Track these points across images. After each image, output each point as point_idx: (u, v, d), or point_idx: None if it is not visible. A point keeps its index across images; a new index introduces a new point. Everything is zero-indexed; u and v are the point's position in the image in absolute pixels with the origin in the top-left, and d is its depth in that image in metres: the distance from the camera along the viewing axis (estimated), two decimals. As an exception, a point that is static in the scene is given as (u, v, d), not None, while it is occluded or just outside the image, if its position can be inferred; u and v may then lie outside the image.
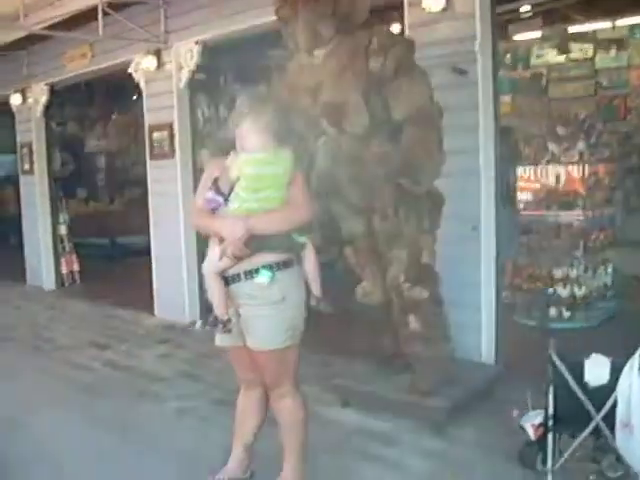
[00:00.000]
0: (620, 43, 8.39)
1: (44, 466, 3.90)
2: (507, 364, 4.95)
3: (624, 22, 8.16)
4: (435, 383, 4.28)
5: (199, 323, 3.00)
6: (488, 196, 4.81)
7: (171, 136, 6.73)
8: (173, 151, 6.77)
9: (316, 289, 3.32)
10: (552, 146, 6.05)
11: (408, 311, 4.27)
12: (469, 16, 4.65)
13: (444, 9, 4.71)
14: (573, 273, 6.19)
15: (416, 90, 3.88)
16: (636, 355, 3.07)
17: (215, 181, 3.24)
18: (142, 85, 7.06)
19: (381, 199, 3.96)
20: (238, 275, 3.16)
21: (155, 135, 6.91)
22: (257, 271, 3.11)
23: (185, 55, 6.59)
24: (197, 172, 6.77)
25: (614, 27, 8.34)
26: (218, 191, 3.20)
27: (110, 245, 10.70)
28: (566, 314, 6.11)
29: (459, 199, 4.53)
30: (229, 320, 3.19)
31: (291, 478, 3.44)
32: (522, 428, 3.48)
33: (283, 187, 3.13)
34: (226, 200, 3.16)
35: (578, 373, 3.18)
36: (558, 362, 3.21)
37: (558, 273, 6.16)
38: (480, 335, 4.85)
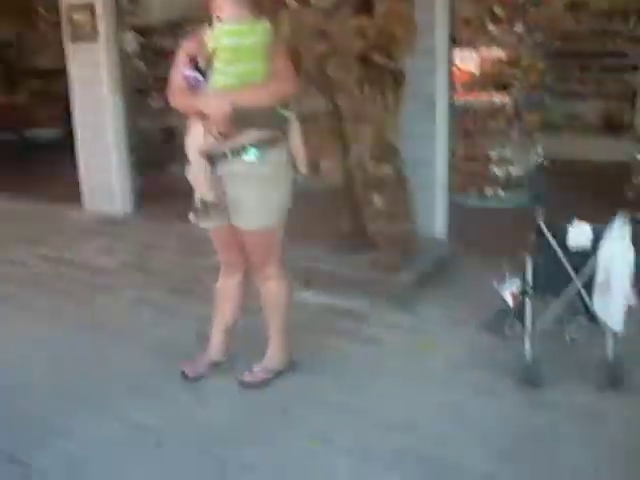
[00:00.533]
0: None
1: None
2: (457, 240, 5.11)
3: None
4: (398, 259, 4.39)
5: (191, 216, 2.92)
6: (443, 75, 4.80)
7: (93, 17, 6.23)
8: (96, 34, 6.28)
9: (302, 165, 3.26)
10: (491, 27, 6.06)
11: (372, 189, 4.29)
12: None
13: None
14: (507, 154, 6.38)
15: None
16: (614, 222, 3.22)
17: (193, 58, 3.07)
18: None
19: (349, 76, 3.87)
20: (224, 154, 3.05)
21: (75, 17, 6.37)
22: (245, 149, 3.02)
23: None
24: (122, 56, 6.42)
25: None
26: (196, 68, 3.05)
27: (19, 139, 9.99)
28: (502, 194, 6.34)
29: (415, 78, 4.49)
30: (215, 202, 3.10)
31: (278, 356, 3.53)
32: (501, 296, 3.62)
33: (263, 59, 3.00)
34: (205, 77, 3.02)
35: (561, 239, 3.32)
36: (545, 229, 3.32)
37: (493, 154, 6.32)
38: (434, 212, 4.95)
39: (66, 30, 6.50)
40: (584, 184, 6.89)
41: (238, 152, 3.03)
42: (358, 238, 4.55)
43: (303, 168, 3.26)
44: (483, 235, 5.29)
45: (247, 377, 3.48)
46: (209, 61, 3.00)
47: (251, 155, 3.03)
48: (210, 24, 3.04)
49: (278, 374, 3.51)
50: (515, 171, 6.35)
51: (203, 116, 2.98)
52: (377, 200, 4.30)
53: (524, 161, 6.43)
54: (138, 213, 6.74)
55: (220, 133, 2.97)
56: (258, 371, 3.49)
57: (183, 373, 3.54)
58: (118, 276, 5.15)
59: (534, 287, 3.43)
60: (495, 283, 3.67)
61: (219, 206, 3.11)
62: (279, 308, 3.45)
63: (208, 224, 3.26)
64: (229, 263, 3.47)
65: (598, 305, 3.26)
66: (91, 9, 6.23)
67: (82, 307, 4.58)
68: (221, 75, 2.98)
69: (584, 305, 3.37)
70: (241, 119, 2.93)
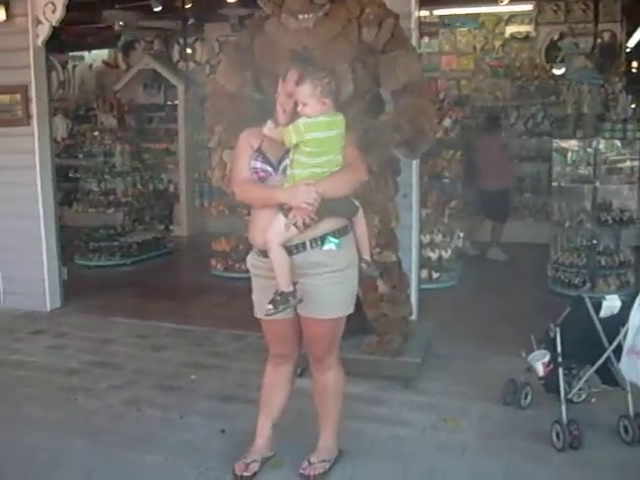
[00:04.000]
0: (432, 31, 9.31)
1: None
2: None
3: (438, 12, 9.06)
4: (402, 342, 4.54)
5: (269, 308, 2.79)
6: (417, 168, 5.14)
7: (26, 100, 5.93)
8: (29, 117, 5.97)
9: (366, 253, 3.34)
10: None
11: (380, 276, 4.43)
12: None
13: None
14: (438, 238, 6.83)
15: (413, 62, 4.01)
16: (640, 293, 3.66)
17: (259, 149, 3.12)
18: (-23, 39, 6.08)
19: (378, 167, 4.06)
20: (303, 244, 3.06)
21: (0, 98, 6.02)
22: (323, 239, 3.06)
23: (44, 8, 5.83)
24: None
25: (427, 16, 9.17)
26: (266, 160, 3.10)
27: None
28: (435, 275, 6.74)
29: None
30: (295, 292, 3.07)
31: (333, 444, 3.49)
32: (530, 367, 3.89)
33: (340, 151, 3.10)
34: (275, 169, 3.08)
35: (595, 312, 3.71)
36: (589, 303, 3.67)
37: (426, 239, 6.74)
38: (411, 295, 5.17)
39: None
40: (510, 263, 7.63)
41: (316, 241, 3.06)
42: (355, 323, 4.62)
43: (368, 256, 3.34)
44: (444, 314, 5.65)
45: (308, 470, 3.38)
46: (282, 154, 3.06)
47: (331, 244, 3.06)
48: (274, 118, 3.11)
49: (334, 463, 3.47)
50: (446, 254, 6.79)
51: (285, 207, 3.00)
52: (381, 285, 4.44)
53: (448, 245, 6.94)
54: (67, 307, 6.37)
55: (305, 224, 3.00)
56: (317, 462, 3.42)
57: (237, 476, 3.37)
58: (91, 376, 4.77)
59: (564, 356, 3.75)
60: (523, 354, 3.94)
61: (297, 297, 3.10)
62: (337, 397, 3.42)
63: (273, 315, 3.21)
64: (282, 355, 3.41)
65: (626, 366, 3.60)
66: (24, 91, 5.95)
67: (66, 413, 4.18)
68: (304, 168, 3.02)
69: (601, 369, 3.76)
70: (322, 209, 2.99)
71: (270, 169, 3.09)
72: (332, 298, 3.15)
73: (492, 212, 8.08)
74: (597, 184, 6.57)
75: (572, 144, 6.73)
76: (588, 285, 6.30)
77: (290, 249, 3.06)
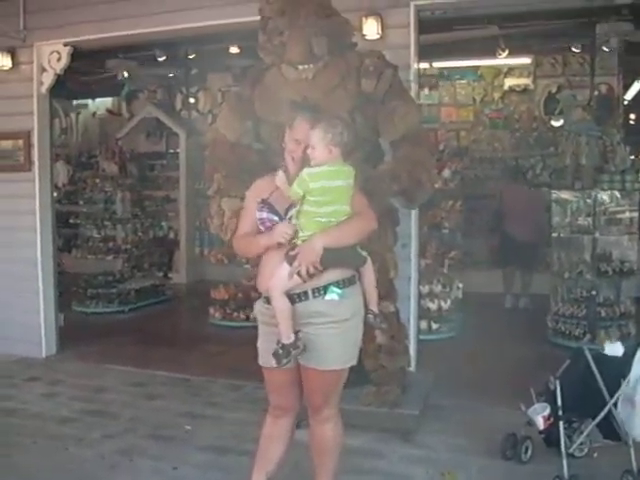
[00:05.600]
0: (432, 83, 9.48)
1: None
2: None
3: (437, 64, 9.23)
4: (400, 394, 4.48)
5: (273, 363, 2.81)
6: (416, 218, 5.16)
7: (28, 146, 5.98)
8: (30, 163, 6.02)
9: (373, 304, 3.30)
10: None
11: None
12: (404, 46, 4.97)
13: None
14: (437, 289, 6.80)
15: (411, 113, 4.05)
16: (641, 344, 3.62)
17: (265, 200, 3.11)
18: (-17, 86, 6.19)
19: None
20: (305, 293, 3.02)
21: (4, 144, 6.07)
22: (326, 288, 3.02)
23: (50, 57, 5.94)
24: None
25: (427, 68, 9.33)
26: (272, 210, 3.09)
27: None
28: (435, 326, 6.68)
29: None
30: (297, 343, 3.02)
31: (328, 499, 3.39)
32: (530, 420, 3.82)
33: (348, 201, 3.09)
34: (282, 219, 3.06)
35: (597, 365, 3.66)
36: (589, 356, 3.63)
37: (425, 289, 6.70)
38: (410, 346, 5.12)
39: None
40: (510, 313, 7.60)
41: (319, 291, 3.03)
42: (353, 373, 4.56)
43: (375, 307, 3.29)
44: (444, 366, 5.58)
45: (304, 525, 3.31)
46: (289, 205, 3.05)
47: (333, 294, 3.02)
48: (284, 167, 3.13)
49: (332, 518, 3.38)
50: (446, 304, 6.75)
51: (290, 255, 2.99)
52: (379, 336, 4.39)
53: (448, 295, 6.90)
54: (63, 354, 6.31)
55: (309, 273, 2.98)
56: (313, 518, 3.34)
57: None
58: (83, 424, 4.69)
59: (564, 410, 3.68)
60: (523, 408, 3.87)
61: (299, 347, 3.05)
62: (335, 450, 3.34)
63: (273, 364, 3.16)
64: (283, 407, 3.33)
65: (623, 415, 3.57)
66: (27, 137, 6.00)
67: (57, 462, 4.09)
68: (309, 217, 3.00)
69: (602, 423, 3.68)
70: (327, 258, 2.97)
71: (276, 218, 3.07)
72: (333, 349, 3.08)
73: (523, 262, 8.10)
74: (597, 235, 6.57)
75: (571, 195, 6.75)
76: (588, 337, 6.25)
77: (292, 297, 3.02)
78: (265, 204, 3.11)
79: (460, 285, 7.11)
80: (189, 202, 10.42)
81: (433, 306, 6.69)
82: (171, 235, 10.47)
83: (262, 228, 3.11)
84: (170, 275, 9.54)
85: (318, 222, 3.00)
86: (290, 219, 3.05)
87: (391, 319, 4.44)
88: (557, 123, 9.64)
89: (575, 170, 6.98)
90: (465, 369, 5.72)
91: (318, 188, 2.99)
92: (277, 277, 3.03)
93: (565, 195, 6.80)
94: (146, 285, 8.77)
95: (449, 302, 6.77)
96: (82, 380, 5.65)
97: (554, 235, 6.84)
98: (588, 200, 6.60)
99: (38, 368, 5.96)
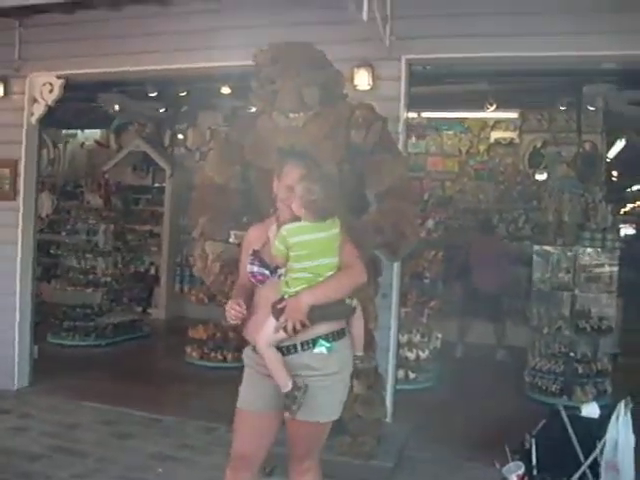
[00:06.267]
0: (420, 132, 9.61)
1: None
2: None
3: (426, 114, 9.38)
4: (375, 445, 4.44)
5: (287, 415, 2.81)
6: (398, 269, 5.21)
7: (15, 175, 5.98)
8: (15, 192, 6.00)
9: (359, 348, 3.26)
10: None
11: (353, 376, 4.36)
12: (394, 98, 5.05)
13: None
14: (416, 338, 6.79)
15: (398, 166, 4.10)
16: (621, 404, 3.60)
17: (256, 253, 3.12)
18: (-27, 113, 6.20)
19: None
20: (294, 346, 2.99)
21: (-12, 172, 6.07)
22: (315, 341, 2.99)
23: (42, 88, 5.97)
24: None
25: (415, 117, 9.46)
26: (263, 264, 3.09)
27: None
28: (412, 375, 6.66)
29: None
30: (297, 387, 2.97)
31: None
32: (505, 479, 3.78)
33: (334, 253, 3.06)
34: (272, 273, 3.06)
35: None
36: (565, 416, 3.63)
37: (403, 338, 6.68)
38: (387, 397, 5.09)
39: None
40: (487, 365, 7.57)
41: (308, 344, 2.99)
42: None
43: (360, 351, 3.25)
44: (419, 416, 5.55)
45: None
46: (277, 260, 3.03)
47: (322, 347, 2.99)
48: (276, 215, 3.14)
49: None
50: (424, 354, 6.74)
51: (277, 308, 2.97)
52: (356, 386, 4.35)
53: (426, 345, 6.90)
54: (35, 387, 6.22)
55: (295, 329, 2.93)
56: None
57: None
58: (53, 462, 4.60)
59: (539, 469, 3.66)
60: (497, 465, 3.84)
61: (301, 388, 2.98)
62: (313, 500, 3.31)
63: (250, 407, 3.13)
64: (245, 455, 3.20)
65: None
66: (14, 166, 5.99)
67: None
68: (294, 272, 2.98)
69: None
70: (314, 314, 2.93)
71: (267, 272, 3.07)
72: (318, 402, 3.03)
73: (486, 314, 8.13)
74: (576, 292, 6.64)
75: (552, 251, 6.82)
76: (564, 395, 6.26)
77: (282, 350, 3.00)
78: (256, 257, 3.11)
79: (439, 335, 7.11)
80: (172, 238, 10.38)
81: (411, 355, 6.67)
82: (152, 270, 10.41)
83: (254, 281, 3.11)
84: (149, 310, 9.47)
85: (304, 278, 2.97)
86: (279, 275, 3.03)
87: (369, 369, 4.42)
88: (541, 177, 9.78)
89: (557, 226, 7.06)
90: (441, 421, 5.70)
91: (297, 243, 2.98)
92: (264, 332, 3.01)
93: (547, 250, 6.87)
94: (124, 320, 8.68)
95: (427, 352, 6.76)
96: (53, 415, 5.56)
97: (534, 289, 6.88)
98: (569, 255, 6.68)
99: (9, 401, 5.85)
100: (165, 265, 10.40)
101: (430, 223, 6.92)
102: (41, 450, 4.82)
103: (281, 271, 3.03)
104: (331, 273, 3.03)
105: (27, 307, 6.15)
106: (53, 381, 6.38)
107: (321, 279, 2.99)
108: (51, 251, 9.76)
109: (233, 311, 3.02)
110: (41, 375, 6.37)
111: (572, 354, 6.49)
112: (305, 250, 2.99)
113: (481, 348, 8.24)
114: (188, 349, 7.62)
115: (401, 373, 6.50)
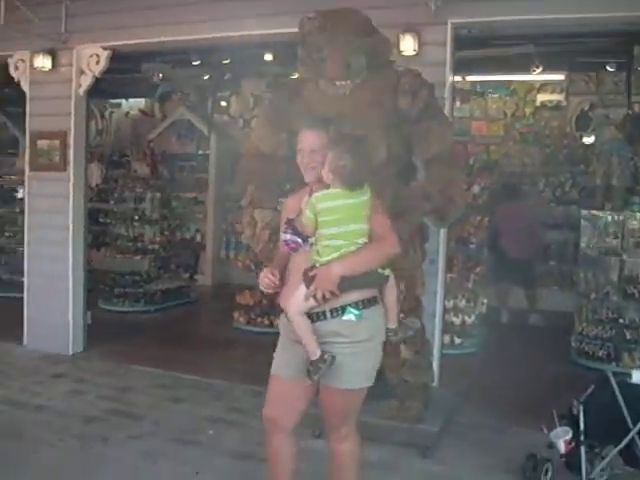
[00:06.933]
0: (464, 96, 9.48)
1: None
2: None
3: (470, 78, 9.24)
4: (422, 409, 4.50)
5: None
6: (445, 235, 5.19)
7: (64, 146, 6.11)
8: (66, 163, 6.14)
9: (393, 320, 3.30)
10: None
11: (401, 342, 4.41)
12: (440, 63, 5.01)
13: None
14: (462, 303, 6.80)
15: (445, 133, 4.08)
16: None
17: (290, 221, 3.15)
18: (25, 86, 6.32)
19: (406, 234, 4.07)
20: (324, 313, 3.02)
21: (40, 143, 6.20)
22: (344, 309, 3.01)
23: (89, 60, 6.06)
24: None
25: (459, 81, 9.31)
26: (296, 232, 3.11)
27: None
28: (457, 340, 6.69)
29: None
30: (323, 358, 3.01)
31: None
32: (552, 443, 3.82)
33: (363, 219, 3.05)
34: (305, 241, 3.07)
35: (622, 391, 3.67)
36: (614, 382, 3.63)
37: (449, 304, 6.70)
38: (433, 362, 5.13)
39: (28, 157, 6.31)
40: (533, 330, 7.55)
41: (337, 311, 3.02)
42: (375, 386, 4.59)
43: (394, 323, 3.30)
44: (465, 382, 5.59)
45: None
46: (307, 229, 3.05)
47: (350, 315, 3.01)
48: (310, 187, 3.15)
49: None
50: (470, 319, 6.75)
51: (308, 279, 2.98)
52: (404, 351, 4.42)
53: (472, 310, 6.91)
54: (89, 352, 6.43)
55: (324, 298, 2.95)
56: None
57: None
58: (109, 424, 4.78)
59: (586, 435, 3.69)
60: (545, 430, 3.87)
61: (327, 360, 3.07)
62: (352, 469, 3.32)
63: (282, 372, 3.21)
64: (274, 420, 3.24)
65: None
66: (63, 137, 6.11)
67: (81, 461, 4.19)
68: (324, 239, 3.00)
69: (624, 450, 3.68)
70: (344, 283, 2.95)
71: (300, 240, 3.09)
72: (350, 369, 3.06)
73: (518, 278, 8.07)
74: (624, 257, 6.54)
75: (600, 215, 6.72)
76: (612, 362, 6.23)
77: (312, 316, 3.04)
78: (289, 226, 3.14)
79: (485, 300, 7.11)
80: (217, 205, 10.51)
81: (457, 320, 6.70)
82: (198, 237, 10.57)
83: (287, 249, 3.15)
84: (196, 277, 9.63)
85: (334, 245, 2.98)
86: (311, 244, 3.05)
87: (416, 334, 4.46)
88: (589, 140, 9.57)
89: (605, 190, 6.94)
90: (487, 386, 5.73)
91: (325, 209, 2.99)
92: (294, 299, 3.05)
93: (595, 214, 6.76)
94: (172, 286, 8.88)
95: (473, 317, 6.77)
96: (108, 379, 5.75)
97: (582, 254, 6.81)
98: (617, 219, 6.57)
99: (64, 365, 6.07)
100: (211, 232, 10.54)
101: (476, 188, 6.88)
102: (97, 413, 5.00)
103: (312, 240, 3.05)
104: (362, 239, 3.02)
105: (80, 275, 6.33)
106: (106, 346, 6.59)
107: (353, 247, 2.99)
108: (100, 219, 9.97)
109: (267, 279, 3.10)
110: (94, 340, 6.58)
111: (620, 320, 6.42)
112: (333, 216, 3.00)
113: (525, 313, 8.22)
114: (235, 314, 7.76)
115: (447, 338, 6.54)
